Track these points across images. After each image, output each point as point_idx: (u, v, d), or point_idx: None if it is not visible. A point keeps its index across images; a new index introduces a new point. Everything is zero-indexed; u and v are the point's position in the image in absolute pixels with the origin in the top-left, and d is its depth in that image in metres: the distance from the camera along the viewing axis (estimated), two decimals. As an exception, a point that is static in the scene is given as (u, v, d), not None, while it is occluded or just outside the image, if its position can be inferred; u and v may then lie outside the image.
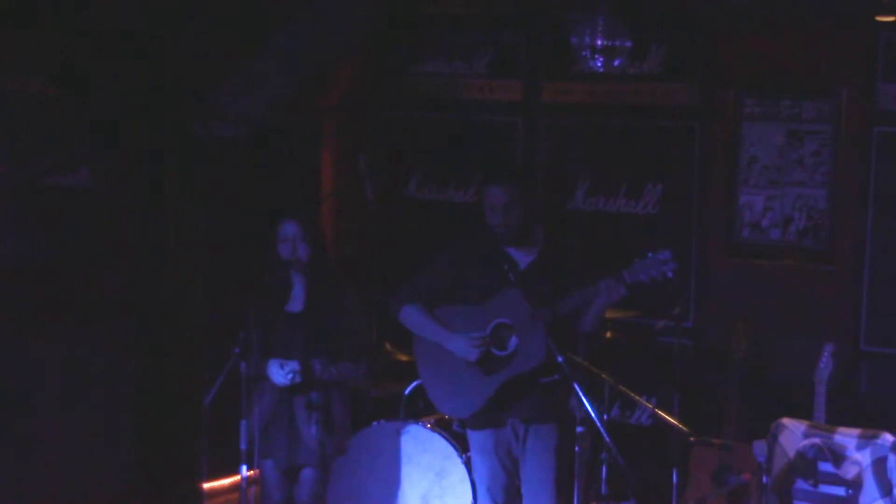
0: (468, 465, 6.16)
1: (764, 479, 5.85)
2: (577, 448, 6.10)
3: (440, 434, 6.25)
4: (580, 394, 5.07)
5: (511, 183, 5.39)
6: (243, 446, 5.53)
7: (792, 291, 6.81)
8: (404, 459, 6.28)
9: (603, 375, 6.38)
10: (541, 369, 5.32)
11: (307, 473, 5.80)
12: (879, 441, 5.70)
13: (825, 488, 5.73)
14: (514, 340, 5.36)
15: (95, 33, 6.00)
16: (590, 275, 5.30)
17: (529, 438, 5.49)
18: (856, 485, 5.67)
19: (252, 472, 5.62)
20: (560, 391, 5.45)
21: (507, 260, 5.41)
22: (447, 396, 5.55)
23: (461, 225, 7.22)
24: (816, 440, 5.74)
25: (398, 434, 6.31)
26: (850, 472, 5.69)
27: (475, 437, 5.61)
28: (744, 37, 6.88)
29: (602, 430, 5.05)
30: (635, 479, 5.14)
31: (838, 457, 5.71)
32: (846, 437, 5.74)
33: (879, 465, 5.66)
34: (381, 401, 6.68)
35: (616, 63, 6.28)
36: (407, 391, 6.50)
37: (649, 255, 5.16)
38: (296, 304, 5.76)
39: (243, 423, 5.52)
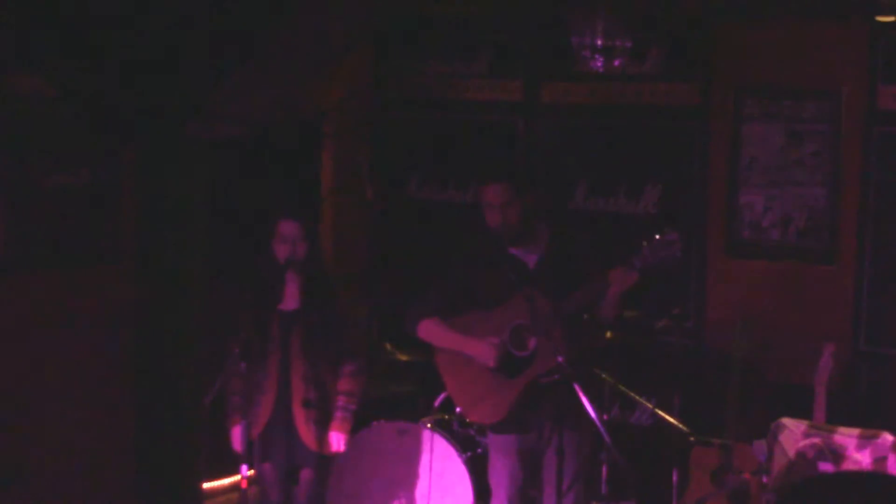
0: (468, 464, 6.17)
1: (764, 479, 5.85)
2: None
3: (440, 434, 6.26)
4: (580, 394, 5.06)
5: (506, 182, 5.37)
6: (243, 445, 5.53)
7: (792, 291, 6.81)
8: (405, 460, 6.29)
9: (603, 375, 6.38)
10: (556, 367, 5.27)
11: (305, 475, 5.80)
12: (879, 441, 5.70)
13: (825, 488, 5.73)
14: (533, 341, 5.33)
15: (95, 33, 6.00)
16: (601, 266, 5.29)
17: (553, 440, 5.44)
18: (856, 485, 5.67)
19: (252, 472, 5.62)
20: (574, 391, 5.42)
21: (513, 262, 5.39)
22: (474, 404, 5.50)
23: (461, 225, 7.24)
24: (816, 440, 5.74)
25: (398, 434, 6.31)
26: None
27: (497, 440, 5.56)
28: (744, 37, 6.88)
29: (602, 430, 5.04)
30: (635, 479, 5.14)
31: (838, 457, 5.71)
32: (846, 437, 5.74)
33: (879, 465, 5.66)
34: (381, 401, 6.68)
35: (616, 63, 6.28)
36: (437, 402, 6.50)
37: (656, 237, 5.14)
38: (290, 302, 5.76)
39: (244, 422, 5.53)
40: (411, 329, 5.58)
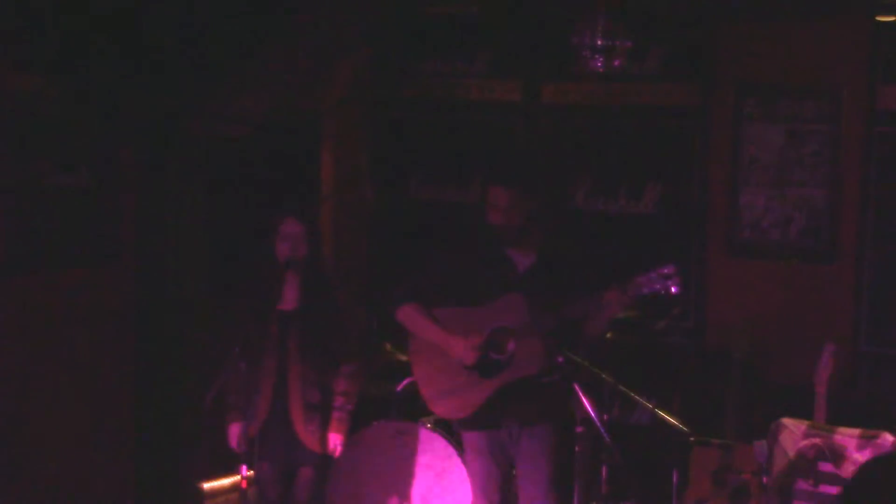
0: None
1: (764, 479, 5.85)
2: (577, 448, 6.10)
3: (440, 434, 6.25)
4: (580, 394, 5.06)
5: (515, 185, 5.39)
6: (242, 446, 5.52)
7: (792, 291, 6.81)
8: (404, 459, 6.28)
9: (603, 375, 6.38)
10: (538, 374, 5.30)
11: (305, 473, 5.80)
12: (879, 441, 5.70)
13: (825, 488, 5.73)
14: (512, 345, 5.34)
15: (95, 33, 6.00)
16: (592, 278, 5.29)
17: (523, 439, 5.47)
18: (856, 485, 5.67)
19: (251, 472, 5.62)
20: (557, 391, 5.43)
21: (506, 262, 5.40)
22: (441, 397, 5.52)
23: (461, 225, 7.25)
24: (816, 440, 5.74)
25: (398, 434, 6.31)
26: (849, 472, 5.69)
27: (469, 438, 5.59)
28: (744, 37, 6.89)
29: (602, 430, 5.04)
30: (635, 479, 5.14)
31: (838, 457, 5.71)
32: (846, 437, 5.74)
33: (879, 465, 5.66)
34: (380, 401, 6.68)
35: (616, 63, 6.28)
36: (399, 388, 6.50)
37: (652, 269, 5.14)
38: (289, 302, 5.76)
39: (243, 423, 5.52)
40: (392, 310, 5.59)
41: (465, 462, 6.10)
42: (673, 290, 5.09)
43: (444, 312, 5.50)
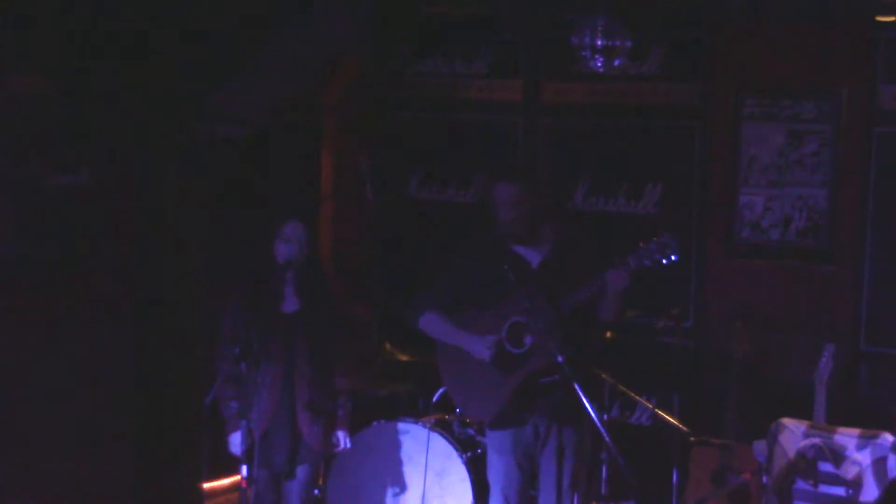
0: (468, 465, 6.17)
1: (764, 479, 5.86)
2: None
3: (440, 434, 6.26)
4: (580, 394, 5.07)
5: (520, 180, 5.43)
6: (243, 447, 5.52)
7: (792, 291, 6.81)
8: (404, 459, 6.29)
9: (603, 375, 6.38)
10: (554, 366, 5.29)
11: (302, 471, 5.81)
12: (879, 441, 5.70)
13: (825, 488, 5.74)
14: (529, 338, 5.36)
15: (95, 33, 6.00)
16: (600, 266, 5.32)
17: (550, 438, 5.47)
18: (856, 485, 5.68)
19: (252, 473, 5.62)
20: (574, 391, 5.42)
21: (517, 259, 5.42)
22: (471, 400, 5.55)
23: (461, 225, 7.25)
24: (816, 440, 5.74)
25: (398, 434, 6.32)
26: (850, 472, 5.70)
27: (494, 437, 5.59)
28: (744, 37, 6.89)
29: (602, 430, 5.04)
30: (635, 479, 5.14)
31: (838, 457, 5.72)
32: (846, 437, 5.75)
33: (879, 465, 5.67)
34: (381, 401, 6.68)
35: (616, 63, 6.28)
36: (435, 398, 6.54)
37: (652, 239, 5.18)
38: (290, 304, 5.77)
39: (243, 423, 5.52)
40: (413, 321, 5.62)
41: (470, 462, 6.11)
42: (673, 258, 5.15)
43: (465, 316, 5.52)
